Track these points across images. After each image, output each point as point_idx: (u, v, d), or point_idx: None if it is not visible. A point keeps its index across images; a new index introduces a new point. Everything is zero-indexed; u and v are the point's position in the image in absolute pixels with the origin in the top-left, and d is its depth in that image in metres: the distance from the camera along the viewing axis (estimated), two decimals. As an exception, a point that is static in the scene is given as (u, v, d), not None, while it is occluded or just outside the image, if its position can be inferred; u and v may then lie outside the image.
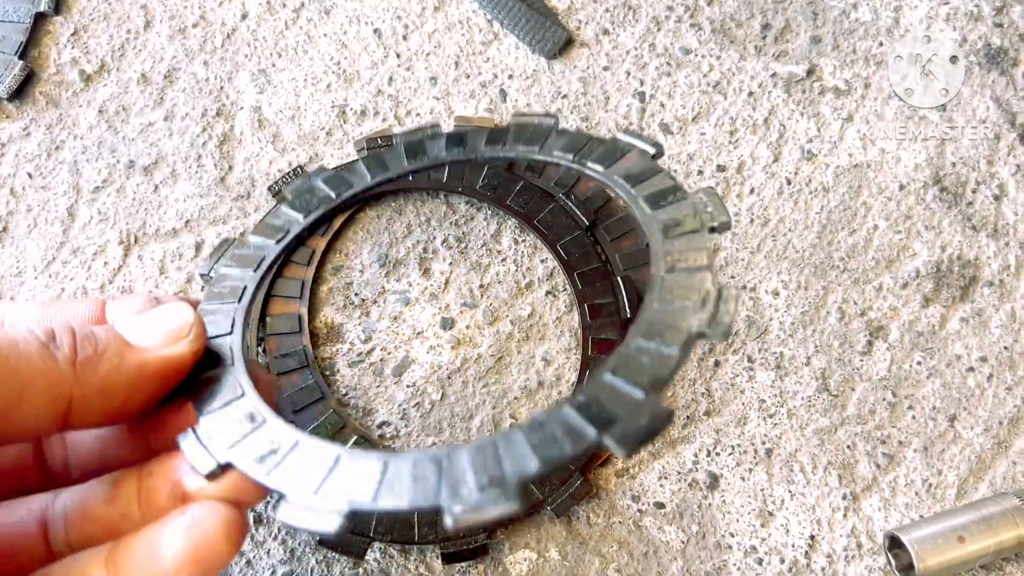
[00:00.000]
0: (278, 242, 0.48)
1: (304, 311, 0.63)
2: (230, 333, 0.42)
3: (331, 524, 0.32)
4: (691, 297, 0.36)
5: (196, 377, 0.39)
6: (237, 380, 0.39)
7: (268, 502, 0.58)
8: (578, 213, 0.65)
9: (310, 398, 0.60)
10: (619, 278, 0.64)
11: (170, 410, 0.39)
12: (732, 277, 0.66)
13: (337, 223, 0.65)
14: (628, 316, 0.62)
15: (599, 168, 0.45)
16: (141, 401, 0.37)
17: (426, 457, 0.33)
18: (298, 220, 0.49)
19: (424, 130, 0.53)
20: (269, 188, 0.64)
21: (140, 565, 0.35)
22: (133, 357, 0.36)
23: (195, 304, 0.43)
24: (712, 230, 0.40)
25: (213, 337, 0.41)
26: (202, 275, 0.46)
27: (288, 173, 0.64)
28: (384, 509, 0.32)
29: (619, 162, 0.45)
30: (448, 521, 0.30)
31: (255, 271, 0.46)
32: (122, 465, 0.42)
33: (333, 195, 0.50)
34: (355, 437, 0.59)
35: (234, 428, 0.37)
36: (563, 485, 0.58)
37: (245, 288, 0.45)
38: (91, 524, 0.38)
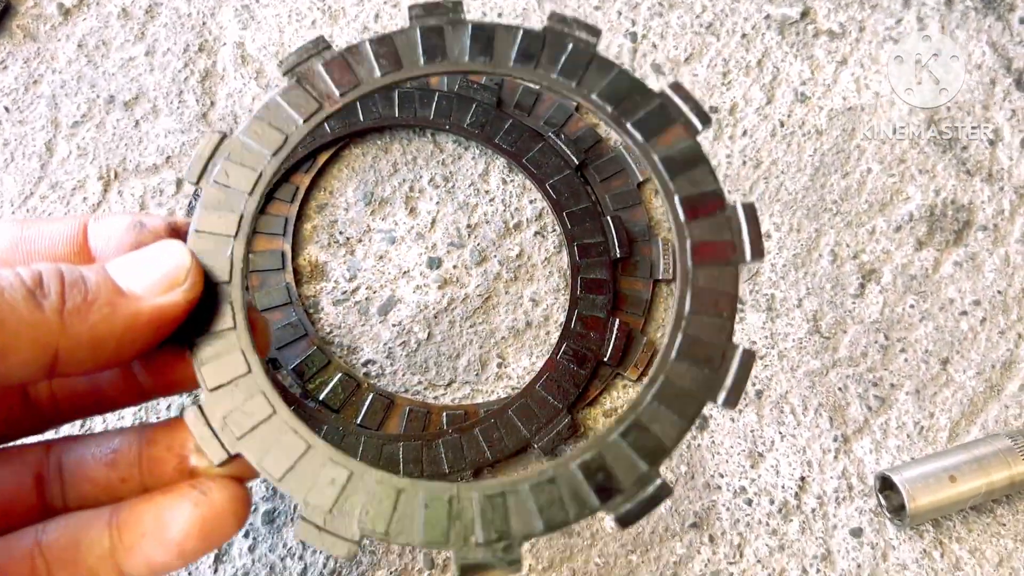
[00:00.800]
0: (275, 153, 0.40)
1: (288, 248, 0.61)
2: (228, 282, 0.38)
3: (347, 552, 0.33)
4: (711, 362, 0.36)
5: (193, 322, 0.37)
6: (241, 350, 0.36)
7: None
8: (568, 152, 0.64)
9: (293, 335, 0.59)
10: (609, 218, 0.62)
11: (164, 355, 0.38)
12: (724, 219, 0.65)
13: (321, 159, 0.63)
14: (617, 256, 0.61)
15: (638, 136, 0.40)
16: (132, 351, 0.35)
17: (437, 493, 0.33)
18: (297, 123, 0.40)
19: (444, 7, 0.43)
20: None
21: (145, 532, 0.34)
22: (125, 307, 0.34)
23: (184, 229, 0.39)
24: (744, 263, 0.38)
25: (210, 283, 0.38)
26: (191, 183, 0.40)
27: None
28: (396, 543, 0.34)
29: (662, 135, 0.40)
30: (454, 567, 0.32)
31: (251, 193, 0.39)
32: (111, 403, 0.41)
33: (337, 92, 0.41)
34: (340, 375, 0.58)
35: (243, 415, 0.35)
36: (550, 423, 0.57)
37: (242, 217, 0.40)
38: (90, 485, 0.37)
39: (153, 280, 0.35)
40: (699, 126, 0.41)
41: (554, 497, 0.34)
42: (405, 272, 0.62)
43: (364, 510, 0.33)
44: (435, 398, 0.59)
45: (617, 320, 0.60)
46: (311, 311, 0.61)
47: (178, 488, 0.35)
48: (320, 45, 0.41)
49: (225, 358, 0.36)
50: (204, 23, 0.67)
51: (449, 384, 0.60)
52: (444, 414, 0.58)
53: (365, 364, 0.60)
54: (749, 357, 0.36)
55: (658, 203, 0.65)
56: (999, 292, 0.64)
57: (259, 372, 0.36)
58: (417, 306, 0.61)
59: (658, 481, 0.34)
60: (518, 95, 0.66)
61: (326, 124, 0.62)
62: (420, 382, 0.60)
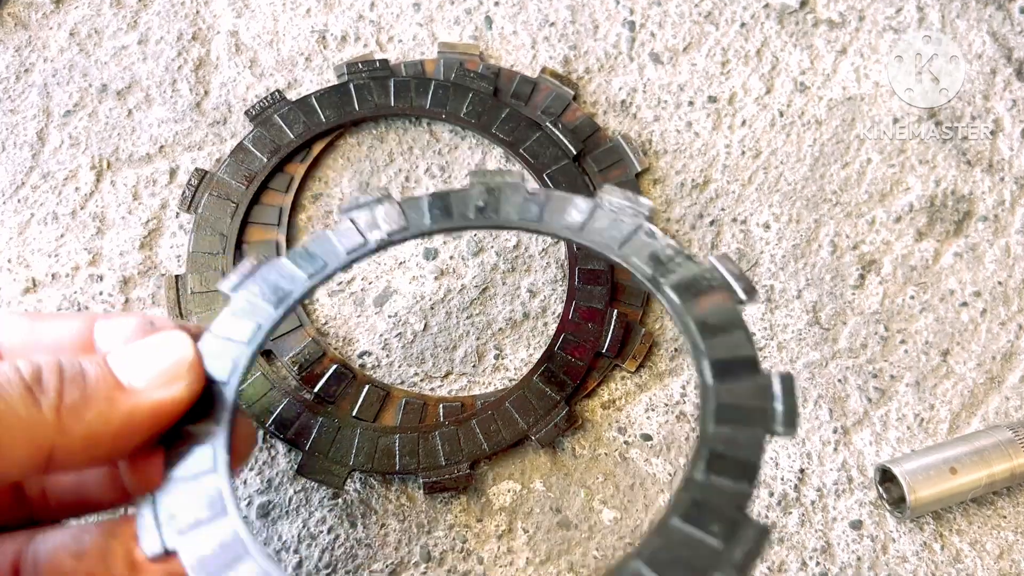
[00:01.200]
0: (310, 276, 0.42)
1: (283, 238, 0.61)
2: (226, 383, 0.37)
3: None
4: (720, 526, 0.33)
5: (189, 419, 0.37)
6: (215, 448, 0.36)
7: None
8: (565, 142, 0.63)
9: (288, 327, 0.59)
10: (607, 208, 0.62)
11: (148, 455, 0.37)
12: (722, 210, 0.64)
13: (316, 149, 0.63)
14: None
15: (674, 298, 0.40)
16: (129, 445, 0.35)
17: None
18: (340, 255, 0.43)
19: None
20: (246, 113, 0.62)
21: None
22: (123, 402, 0.34)
23: (197, 334, 0.39)
24: (774, 433, 0.35)
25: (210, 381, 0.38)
26: (221, 292, 0.41)
27: (265, 98, 0.62)
28: None
29: (699, 298, 0.39)
30: None
31: (276, 308, 0.40)
32: (98, 504, 0.41)
33: (385, 234, 0.44)
34: (335, 367, 0.57)
35: (192, 510, 0.34)
36: (548, 415, 0.57)
37: (259, 327, 0.39)
38: None
39: (154, 373, 0.35)
40: (742, 297, 0.39)
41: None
42: (401, 263, 0.62)
43: None
44: (432, 390, 0.59)
45: (615, 311, 0.59)
46: (306, 302, 0.60)
47: None
48: (382, 193, 0.43)
49: (196, 452, 0.36)
50: (198, 11, 0.67)
51: (446, 376, 0.59)
52: (440, 406, 0.57)
53: (361, 355, 0.59)
54: (762, 534, 0.33)
55: (656, 192, 0.64)
56: (999, 283, 0.64)
57: (223, 472, 0.35)
58: (413, 297, 0.61)
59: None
60: (515, 84, 0.65)
61: (321, 112, 0.61)
62: (416, 374, 0.59)
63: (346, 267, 0.43)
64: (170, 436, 0.36)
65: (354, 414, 0.57)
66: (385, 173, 0.63)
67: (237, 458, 0.37)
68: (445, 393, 0.59)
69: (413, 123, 0.65)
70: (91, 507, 0.41)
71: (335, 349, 0.59)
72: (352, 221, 0.43)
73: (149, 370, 0.35)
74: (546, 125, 0.63)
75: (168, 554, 0.33)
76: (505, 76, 0.65)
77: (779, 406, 0.36)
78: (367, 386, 0.57)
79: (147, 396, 0.34)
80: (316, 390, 0.57)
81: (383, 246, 0.43)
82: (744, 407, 0.36)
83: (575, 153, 0.63)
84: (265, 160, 0.61)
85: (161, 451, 0.36)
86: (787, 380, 0.36)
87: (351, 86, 0.63)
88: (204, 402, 0.37)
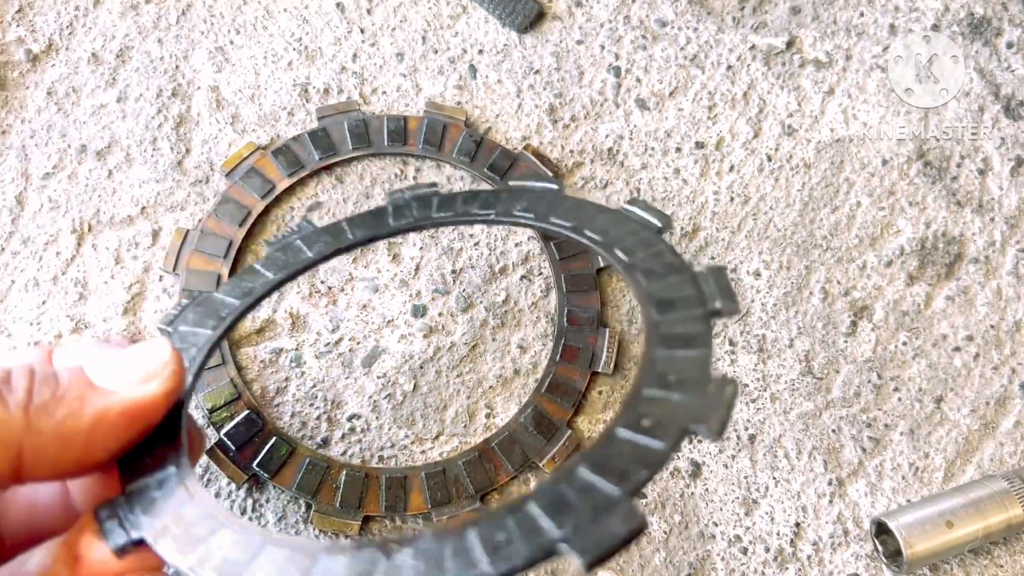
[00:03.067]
0: (241, 299, 0.45)
1: (225, 271, 0.60)
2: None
3: None
4: (687, 387, 0.33)
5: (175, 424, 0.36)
6: (172, 454, 0.35)
7: (234, 500, 0.55)
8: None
9: (248, 431, 0.57)
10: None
11: (105, 473, 0.35)
12: (712, 258, 0.64)
13: (281, 187, 0.62)
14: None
15: (596, 237, 0.43)
16: (104, 449, 0.33)
17: (362, 559, 0.29)
18: (268, 278, 0.47)
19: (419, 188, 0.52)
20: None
21: None
22: (96, 400, 0.33)
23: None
24: (715, 313, 0.36)
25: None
26: (160, 328, 0.42)
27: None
28: None
29: (619, 233, 0.42)
30: None
31: (214, 329, 0.43)
32: (50, 532, 0.37)
33: (310, 254, 0.49)
34: (307, 459, 0.57)
35: (158, 505, 0.33)
36: (549, 443, 0.57)
37: (207, 339, 0.42)
38: None
39: (129, 373, 0.34)
40: (658, 224, 0.42)
41: (503, 539, 0.29)
42: (389, 321, 0.61)
43: None
44: (422, 452, 0.58)
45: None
46: (294, 364, 0.59)
47: None
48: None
49: (153, 458, 0.35)
50: (177, 66, 0.66)
51: (437, 437, 0.59)
52: (423, 475, 0.57)
53: (350, 419, 0.59)
54: (734, 388, 0.32)
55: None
56: (992, 326, 0.64)
57: (184, 468, 0.34)
58: (402, 356, 0.60)
59: (633, 510, 0.29)
60: (495, 156, 0.64)
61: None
62: (407, 436, 0.58)
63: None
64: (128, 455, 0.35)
65: (338, 505, 0.55)
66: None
67: (193, 458, 0.36)
68: (437, 456, 0.58)
69: (400, 178, 0.64)
70: (42, 537, 0.38)
71: (302, 443, 0.58)
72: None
73: (124, 371, 0.34)
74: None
75: (136, 544, 0.32)
76: (487, 145, 0.64)
77: (712, 287, 0.37)
78: (345, 471, 0.56)
79: (121, 395, 0.33)
80: (294, 488, 0.55)
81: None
82: (680, 296, 0.37)
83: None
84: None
85: (109, 471, 0.35)
86: (717, 270, 0.37)
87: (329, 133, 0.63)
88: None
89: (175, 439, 0.35)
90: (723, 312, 0.36)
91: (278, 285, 0.47)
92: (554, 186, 0.48)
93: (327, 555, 0.29)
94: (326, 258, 0.49)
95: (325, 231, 0.50)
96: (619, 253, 0.41)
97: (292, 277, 0.48)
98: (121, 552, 0.32)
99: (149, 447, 0.35)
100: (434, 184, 0.51)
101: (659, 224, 0.42)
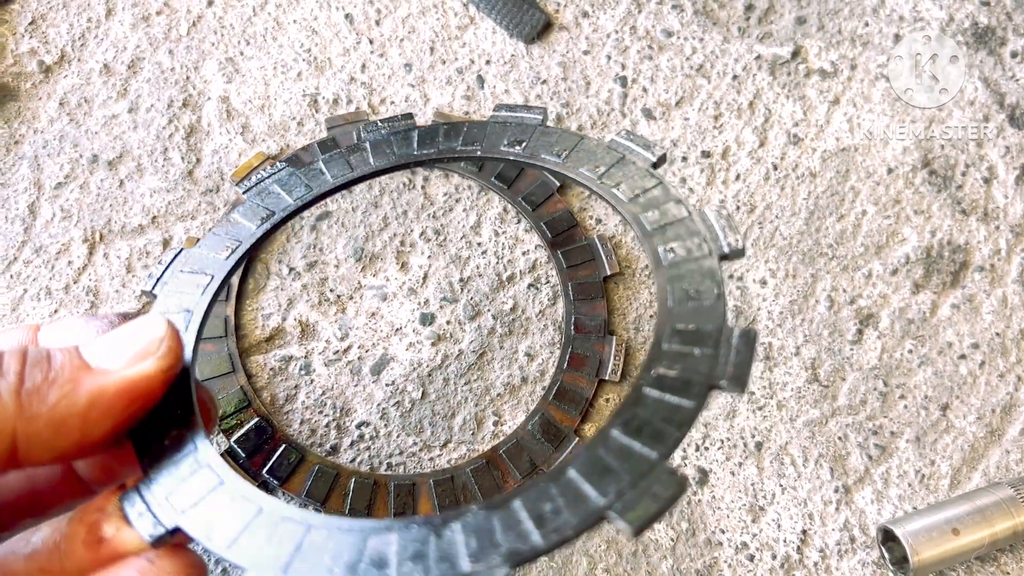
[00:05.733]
0: (227, 257, 0.43)
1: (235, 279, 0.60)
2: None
3: None
4: (706, 340, 0.33)
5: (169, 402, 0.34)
6: (188, 426, 0.34)
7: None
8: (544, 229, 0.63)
9: (257, 439, 0.58)
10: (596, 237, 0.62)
11: (112, 450, 0.34)
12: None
13: None
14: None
15: (589, 175, 0.42)
16: (102, 431, 0.32)
17: (411, 537, 0.29)
18: (250, 230, 0.44)
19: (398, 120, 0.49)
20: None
21: None
22: (89, 382, 0.31)
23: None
24: (723, 257, 0.36)
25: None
26: (145, 292, 0.40)
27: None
28: None
29: (614, 170, 0.42)
30: None
31: (203, 294, 0.41)
32: (50, 502, 0.37)
33: (291, 200, 0.46)
34: (317, 467, 0.57)
35: (187, 489, 0.32)
36: (556, 450, 0.58)
37: (190, 311, 0.40)
38: None
39: (124, 352, 0.33)
40: (652, 158, 0.41)
41: (551, 507, 0.29)
42: (398, 329, 0.61)
43: (324, 565, 0.29)
44: (430, 459, 0.58)
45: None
46: (302, 372, 0.60)
47: (120, 562, 0.31)
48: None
49: (170, 435, 0.34)
50: (188, 77, 0.66)
51: (444, 444, 0.59)
52: (431, 482, 0.57)
53: (359, 426, 0.59)
54: (753, 335, 0.33)
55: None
56: (997, 334, 0.64)
57: (205, 447, 0.33)
58: (411, 364, 0.60)
59: (671, 471, 0.29)
60: (502, 165, 0.65)
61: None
62: (415, 443, 0.59)
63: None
64: (138, 428, 0.34)
65: (347, 510, 0.56)
66: (380, 238, 0.63)
67: (208, 427, 0.35)
68: (445, 463, 0.58)
69: (407, 187, 0.65)
70: (42, 504, 0.38)
71: (312, 451, 0.59)
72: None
73: (120, 352, 0.33)
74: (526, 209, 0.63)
75: (171, 533, 0.31)
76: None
77: (720, 231, 0.37)
78: (354, 479, 0.56)
79: (116, 375, 0.32)
80: (304, 494, 0.56)
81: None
82: (689, 247, 0.37)
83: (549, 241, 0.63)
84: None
85: (128, 445, 0.34)
86: (720, 211, 0.37)
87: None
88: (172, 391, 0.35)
89: (188, 410, 0.34)
90: (731, 255, 0.36)
91: (264, 237, 0.45)
92: (538, 117, 0.46)
93: (376, 535, 0.29)
94: (307, 205, 0.46)
95: (301, 173, 0.47)
96: (618, 193, 0.40)
97: (276, 227, 0.45)
98: (158, 543, 0.31)
99: (161, 419, 0.34)
100: (410, 115, 0.49)
101: (653, 158, 0.41)
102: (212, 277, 0.41)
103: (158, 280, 0.42)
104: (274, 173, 0.47)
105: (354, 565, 0.28)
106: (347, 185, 0.47)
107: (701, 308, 0.34)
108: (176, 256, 0.43)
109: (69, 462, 0.37)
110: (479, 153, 0.46)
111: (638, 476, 0.29)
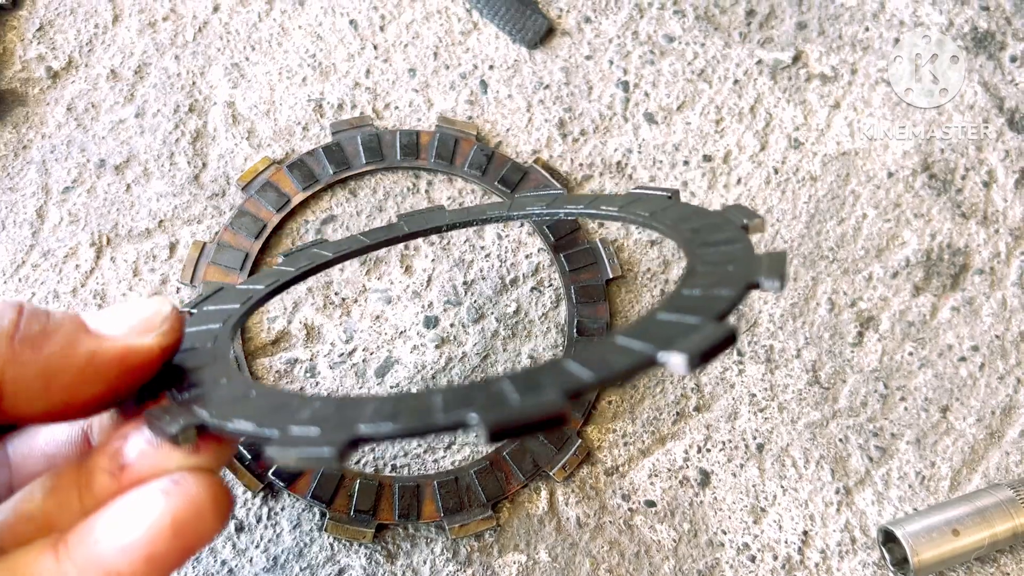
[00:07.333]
0: (267, 286, 0.48)
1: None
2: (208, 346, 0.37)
3: (331, 451, 0.25)
4: (739, 262, 0.33)
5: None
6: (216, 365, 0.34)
7: (250, 508, 0.56)
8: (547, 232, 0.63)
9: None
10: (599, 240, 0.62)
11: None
12: (720, 269, 0.64)
13: (296, 200, 0.63)
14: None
15: (613, 210, 0.46)
16: (92, 394, 0.32)
17: (450, 390, 0.27)
18: (290, 271, 0.50)
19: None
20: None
21: (99, 538, 0.29)
22: (87, 343, 0.31)
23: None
24: (746, 228, 0.37)
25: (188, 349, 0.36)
26: (182, 311, 0.40)
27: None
28: (402, 431, 0.25)
29: (635, 204, 0.45)
30: (481, 434, 0.24)
31: (241, 305, 0.44)
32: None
33: (330, 254, 0.52)
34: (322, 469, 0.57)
35: (207, 389, 0.32)
36: (560, 452, 0.58)
37: (229, 317, 0.41)
38: (26, 524, 0.32)
39: (126, 323, 0.33)
40: (667, 195, 0.45)
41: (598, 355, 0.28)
42: (402, 332, 0.62)
43: (356, 415, 0.27)
44: (434, 461, 0.59)
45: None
46: (309, 375, 0.61)
47: (142, 486, 0.30)
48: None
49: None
50: (194, 82, 0.67)
51: (449, 446, 0.59)
52: (435, 483, 0.57)
53: (364, 428, 0.59)
54: (782, 252, 0.33)
55: (620, 301, 0.65)
56: (997, 337, 0.64)
57: (225, 360, 0.34)
58: (415, 367, 0.61)
59: (720, 324, 0.28)
60: (505, 170, 0.65)
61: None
62: (419, 445, 0.59)
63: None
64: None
65: (351, 512, 0.56)
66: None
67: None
68: (448, 465, 0.59)
69: (411, 191, 0.65)
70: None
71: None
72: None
73: (121, 321, 0.33)
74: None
75: (199, 430, 0.29)
76: (497, 159, 0.65)
77: (737, 215, 0.38)
78: (358, 480, 0.57)
79: (115, 342, 0.32)
80: (309, 496, 0.56)
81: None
82: (711, 223, 0.39)
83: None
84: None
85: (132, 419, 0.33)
86: (736, 207, 0.39)
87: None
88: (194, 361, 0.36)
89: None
90: (751, 228, 0.37)
91: (302, 276, 0.50)
92: (561, 190, 0.51)
93: (410, 395, 0.28)
94: (346, 256, 0.53)
95: (341, 241, 0.54)
96: (640, 212, 0.43)
97: (315, 271, 0.51)
98: (181, 438, 0.29)
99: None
100: (441, 207, 0.55)
101: (668, 195, 0.45)
102: (250, 299, 0.46)
103: (198, 302, 0.46)
104: (316, 243, 0.56)
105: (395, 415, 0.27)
106: (382, 245, 0.56)
107: (731, 249, 0.35)
108: (215, 290, 0.49)
109: (50, 422, 0.36)
110: (506, 214, 0.54)
111: (687, 331, 0.28)
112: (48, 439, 0.36)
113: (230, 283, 0.46)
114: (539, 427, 0.24)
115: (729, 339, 0.27)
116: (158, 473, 0.30)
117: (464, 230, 0.64)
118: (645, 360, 0.27)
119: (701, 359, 0.26)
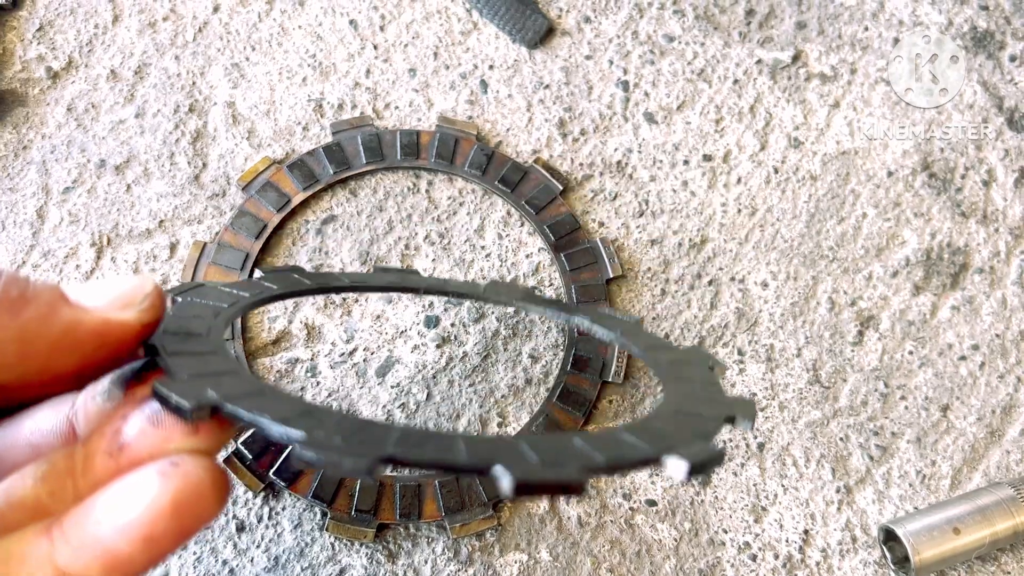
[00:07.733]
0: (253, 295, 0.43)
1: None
2: (203, 334, 0.37)
3: (366, 462, 0.25)
4: (713, 403, 0.35)
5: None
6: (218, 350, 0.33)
7: (251, 507, 0.56)
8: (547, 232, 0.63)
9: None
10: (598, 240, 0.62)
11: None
12: (720, 269, 0.64)
13: (296, 200, 0.63)
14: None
15: (586, 322, 0.51)
16: (65, 366, 0.31)
17: (481, 444, 0.27)
18: (272, 289, 0.45)
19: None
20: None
21: (99, 519, 0.28)
22: (67, 313, 0.31)
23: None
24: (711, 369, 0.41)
25: (177, 329, 0.35)
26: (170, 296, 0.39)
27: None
28: (431, 461, 0.26)
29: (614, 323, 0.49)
30: (506, 484, 0.25)
31: (229, 306, 0.41)
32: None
33: (309, 283, 0.48)
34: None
35: (215, 377, 0.31)
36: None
37: (220, 312, 0.39)
38: (18, 510, 0.32)
39: (106, 297, 0.32)
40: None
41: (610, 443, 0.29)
42: (402, 332, 0.62)
43: (381, 439, 0.27)
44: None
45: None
46: (310, 375, 0.61)
47: (140, 468, 0.29)
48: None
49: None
50: (194, 83, 0.67)
51: (450, 446, 0.59)
52: (436, 483, 0.57)
53: (365, 428, 0.59)
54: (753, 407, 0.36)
55: (620, 300, 0.65)
56: (997, 335, 0.64)
57: (223, 351, 0.33)
58: (416, 366, 0.61)
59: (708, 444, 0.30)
60: (505, 170, 0.65)
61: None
62: (420, 445, 0.59)
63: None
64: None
65: (352, 511, 0.56)
66: (385, 241, 0.64)
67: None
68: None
69: (412, 191, 0.65)
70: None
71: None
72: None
73: (102, 294, 0.32)
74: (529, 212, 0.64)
75: (214, 410, 0.28)
76: (498, 159, 0.65)
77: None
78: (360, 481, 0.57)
79: (94, 314, 0.31)
80: (311, 496, 0.56)
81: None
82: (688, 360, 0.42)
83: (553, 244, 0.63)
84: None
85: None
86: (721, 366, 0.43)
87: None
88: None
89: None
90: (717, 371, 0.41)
91: (280, 296, 0.45)
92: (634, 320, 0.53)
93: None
94: (324, 290, 0.48)
95: (320, 274, 0.50)
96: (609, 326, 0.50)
97: (291, 295, 0.46)
98: (196, 414, 0.28)
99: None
100: (416, 271, 0.57)
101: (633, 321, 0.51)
102: (236, 302, 0.42)
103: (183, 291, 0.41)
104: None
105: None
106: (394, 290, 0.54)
107: (702, 392, 0.38)
108: (197, 285, 0.42)
109: (22, 397, 0.36)
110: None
111: (682, 440, 0.30)
112: (33, 429, 0.36)
113: (211, 281, 0.44)
114: (559, 491, 0.25)
115: (719, 457, 0.28)
116: (156, 455, 0.30)
117: (464, 230, 0.64)
118: (654, 457, 0.28)
119: (702, 470, 0.28)
